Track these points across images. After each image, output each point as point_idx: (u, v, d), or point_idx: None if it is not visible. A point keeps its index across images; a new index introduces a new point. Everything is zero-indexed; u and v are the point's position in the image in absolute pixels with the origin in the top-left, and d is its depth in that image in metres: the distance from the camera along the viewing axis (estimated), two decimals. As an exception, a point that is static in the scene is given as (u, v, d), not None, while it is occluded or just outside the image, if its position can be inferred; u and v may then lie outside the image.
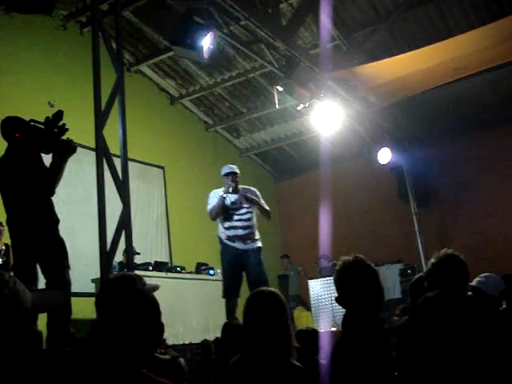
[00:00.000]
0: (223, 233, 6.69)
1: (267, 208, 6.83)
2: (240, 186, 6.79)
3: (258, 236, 6.78)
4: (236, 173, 6.75)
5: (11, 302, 1.45)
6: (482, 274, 3.78)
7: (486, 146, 11.41)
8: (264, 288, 2.71)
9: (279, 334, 2.46)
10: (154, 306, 1.88)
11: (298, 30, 8.26)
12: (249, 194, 6.72)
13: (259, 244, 6.74)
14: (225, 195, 6.63)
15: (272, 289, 2.65)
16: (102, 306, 1.88)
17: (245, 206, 6.73)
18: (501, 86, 10.32)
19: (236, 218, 6.69)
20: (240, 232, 6.65)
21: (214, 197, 6.75)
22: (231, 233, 6.65)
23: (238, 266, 6.60)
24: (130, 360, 1.76)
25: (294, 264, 12.49)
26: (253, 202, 6.72)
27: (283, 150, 14.11)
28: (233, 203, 6.71)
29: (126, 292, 1.85)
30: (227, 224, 6.67)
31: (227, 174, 6.73)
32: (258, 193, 6.87)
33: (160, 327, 1.90)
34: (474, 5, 8.89)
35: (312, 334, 3.41)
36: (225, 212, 6.69)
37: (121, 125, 5.60)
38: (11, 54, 8.91)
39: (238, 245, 6.62)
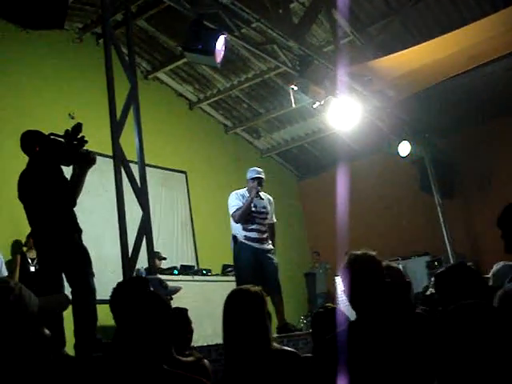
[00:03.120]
0: (241, 233, 6.75)
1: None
2: (261, 193, 6.89)
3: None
4: (262, 178, 6.80)
5: (17, 307, 1.53)
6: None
7: (506, 133, 11.27)
8: (243, 286, 2.81)
9: (255, 326, 2.57)
10: (164, 305, 1.95)
11: (310, 28, 8.24)
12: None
13: (272, 246, 6.89)
14: (251, 199, 6.70)
15: (249, 286, 2.74)
16: (114, 309, 1.95)
17: (264, 210, 6.80)
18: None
19: (257, 221, 6.77)
20: (259, 235, 6.74)
21: (236, 199, 6.79)
22: (251, 235, 6.72)
23: (256, 264, 6.65)
24: (147, 357, 1.84)
25: (322, 262, 12.50)
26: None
27: (304, 148, 14.11)
28: (255, 206, 6.78)
29: (137, 294, 1.93)
30: (248, 226, 6.74)
31: (254, 179, 6.77)
32: (272, 201, 7.04)
33: (169, 325, 1.97)
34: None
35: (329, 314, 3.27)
36: (247, 215, 6.77)
37: (137, 132, 5.72)
38: (30, 69, 9.09)
39: (256, 245, 6.71)
